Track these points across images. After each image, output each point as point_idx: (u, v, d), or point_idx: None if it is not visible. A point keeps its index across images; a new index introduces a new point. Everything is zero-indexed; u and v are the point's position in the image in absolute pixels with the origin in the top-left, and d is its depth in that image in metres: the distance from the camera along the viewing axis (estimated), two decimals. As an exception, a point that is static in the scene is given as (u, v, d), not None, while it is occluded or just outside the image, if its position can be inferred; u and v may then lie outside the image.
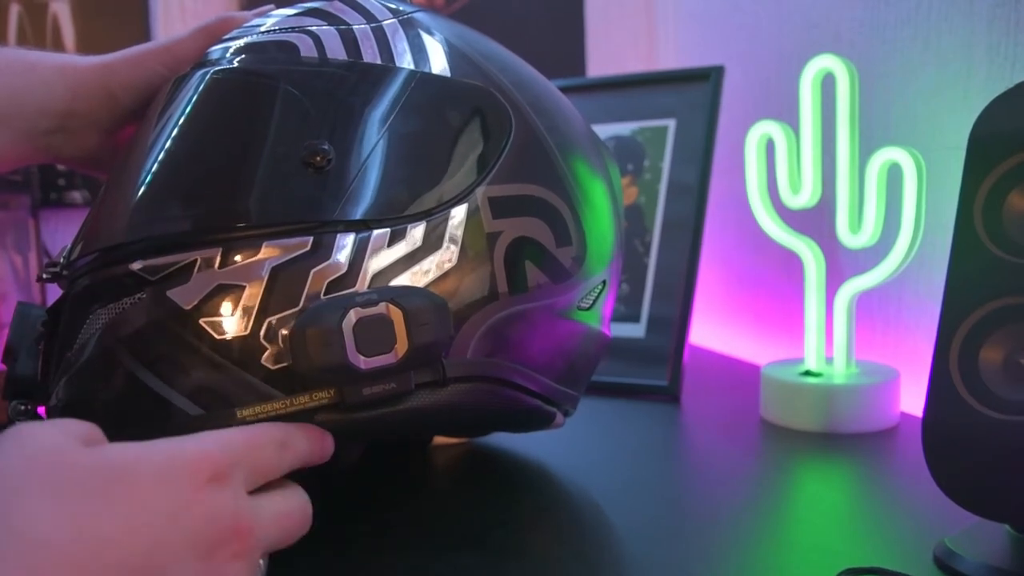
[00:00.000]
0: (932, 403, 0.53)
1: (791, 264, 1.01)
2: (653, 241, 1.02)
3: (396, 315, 0.52)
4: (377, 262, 0.54)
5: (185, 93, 0.59)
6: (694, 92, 1.03)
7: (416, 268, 0.55)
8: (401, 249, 0.55)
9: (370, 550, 0.57)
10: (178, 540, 0.41)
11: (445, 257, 0.57)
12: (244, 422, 0.51)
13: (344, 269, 0.53)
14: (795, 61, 1.07)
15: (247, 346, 0.52)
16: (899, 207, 0.77)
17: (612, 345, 0.98)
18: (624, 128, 1.07)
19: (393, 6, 0.64)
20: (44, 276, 0.59)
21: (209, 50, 0.64)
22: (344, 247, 0.54)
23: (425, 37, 0.62)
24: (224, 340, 0.52)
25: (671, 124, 1.04)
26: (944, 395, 0.53)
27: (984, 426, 0.51)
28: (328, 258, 0.53)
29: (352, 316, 0.51)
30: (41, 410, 0.57)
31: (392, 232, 0.55)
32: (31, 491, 0.39)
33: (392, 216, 0.56)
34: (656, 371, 0.95)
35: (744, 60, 1.20)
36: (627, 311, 1.01)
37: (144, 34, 1.34)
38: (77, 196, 1.40)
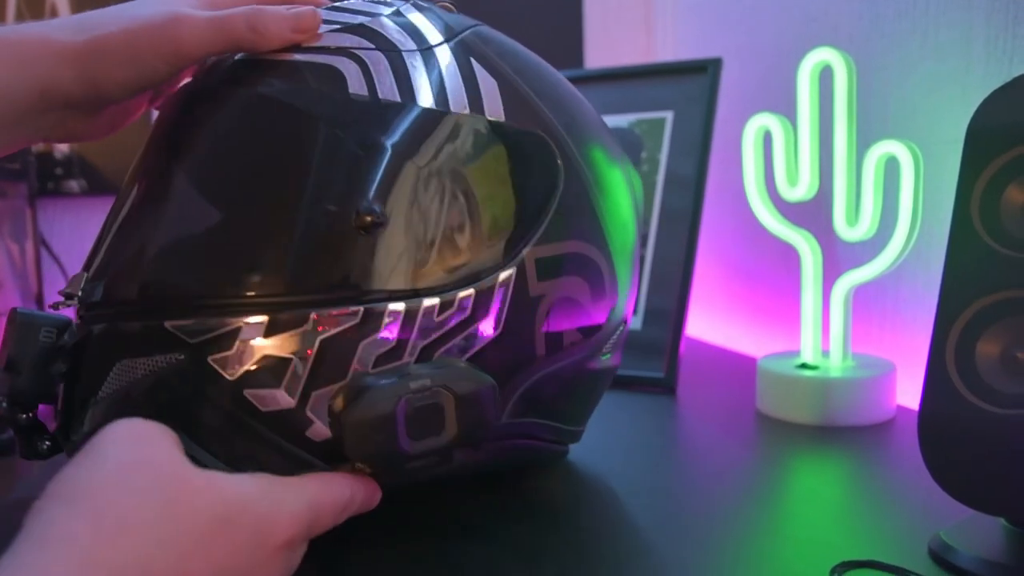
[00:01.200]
0: (928, 396, 0.53)
1: (788, 257, 1.01)
2: (650, 233, 1.02)
3: (448, 401, 0.51)
4: (425, 332, 0.53)
5: (212, 115, 0.55)
6: (692, 84, 1.03)
7: (462, 337, 0.54)
8: (449, 318, 0.54)
9: (367, 542, 0.57)
10: None
11: (491, 325, 0.55)
12: None
13: (393, 343, 0.52)
14: (793, 54, 1.07)
15: (292, 419, 0.50)
16: (896, 200, 0.77)
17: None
18: (622, 120, 1.07)
19: (445, 21, 0.60)
20: (58, 305, 0.56)
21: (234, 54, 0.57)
22: (394, 318, 0.52)
23: (478, 68, 0.58)
24: (269, 412, 0.50)
25: (669, 116, 1.04)
26: (940, 389, 0.53)
27: (980, 420, 0.51)
28: (378, 330, 0.51)
29: (405, 403, 0.50)
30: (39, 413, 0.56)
31: (442, 302, 0.53)
32: (142, 513, 0.41)
33: (442, 284, 0.54)
34: (652, 363, 0.95)
35: (742, 53, 1.20)
36: (624, 303, 1.00)
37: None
38: (75, 185, 1.40)
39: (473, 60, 0.58)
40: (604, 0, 1.50)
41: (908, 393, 0.84)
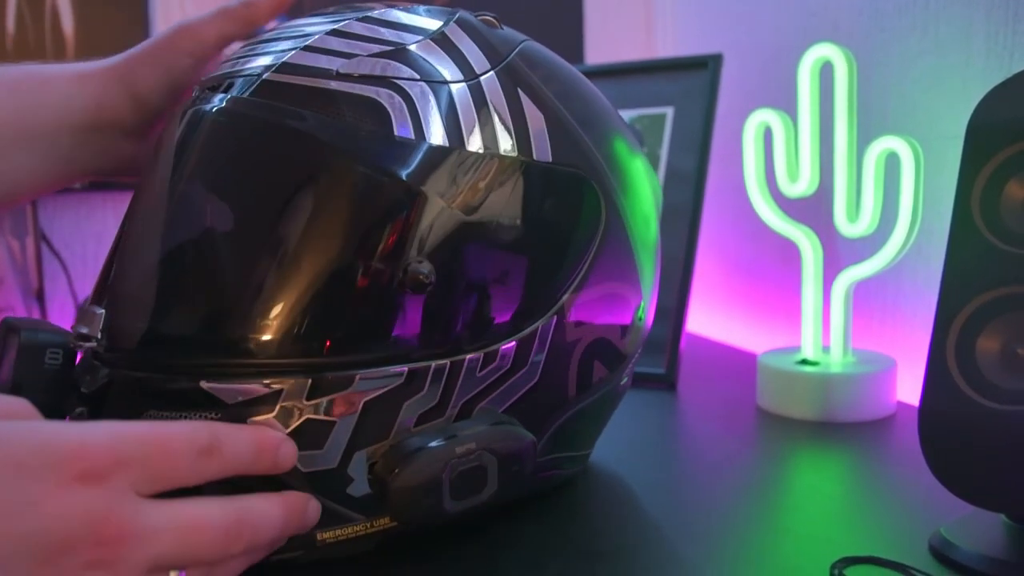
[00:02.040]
0: (929, 392, 0.53)
1: (788, 252, 1.01)
2: (651, 229, 1.01)
3: (491, 462, 0.51)
4: (467, 388, 0.52)
5: (244, 153, 0.51)
6: (692, 80, 1.03)
7: (502, 389, 0.54)
8: (490, 372, 0.53)
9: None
10: (14, 536, 0.37)
11: (530, 375, 0.55)
12: (324, 544, 0.50)
13: (436, 401, 0.51)
14: (793, 49, 1.07)
15: (334, 478, 0.49)
16: (897, 196, 0.77)
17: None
18: (622, 116, 1.07)
19: (491, 42, 0.56)
20: (77, 345, 0.51)
21: (253, 66, 0.53)
22: (438, 376, 0.51)
23: (526, 102, 0.55)
24: (311, 472, 0.49)
25: (669, 112, 1.04)
26: (941, 384, 0.53)
27: (981, 416, 0.51)
28: (422, 390, 0.50)
29: (450, 468, 0.50)
30: None
31: (484, 356, 0.52)
32: None
33: (484, 338, 0.52)
34: (653, 359, 0.95)
35: (742, 48, 1.20)
36: (624, 299, 1.00)
37: (143, 22, 1.33)
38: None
39: (520, 92, 0.55)
40: (604, -4, 1.50)
41: (908, 389, 0.84)
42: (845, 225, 0.82)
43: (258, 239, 0.50)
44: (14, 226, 1.22)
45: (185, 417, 0.47)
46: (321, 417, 0.48)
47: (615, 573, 0.52)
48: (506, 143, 0.53)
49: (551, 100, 0.57)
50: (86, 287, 1.29)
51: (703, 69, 1.02)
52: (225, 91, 0.53)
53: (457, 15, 0.57)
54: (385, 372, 0.49)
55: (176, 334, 0.50)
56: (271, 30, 0.59)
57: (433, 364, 0.50)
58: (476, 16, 0.58)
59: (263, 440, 0.46)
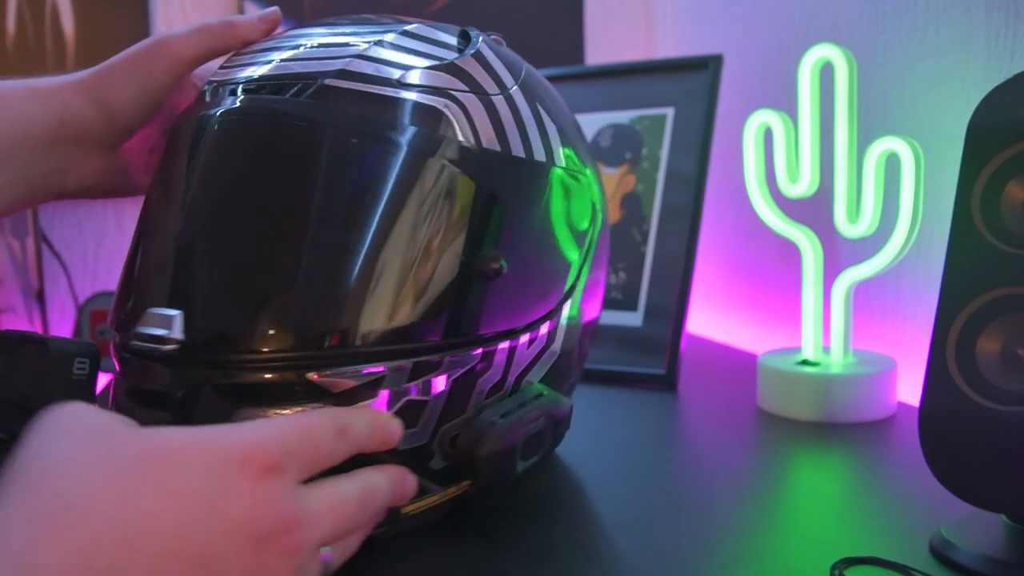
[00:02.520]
0: (929, 393, 0.53)
1: (789, 253, 1.01)
2: (651, 230, 1.01)
3: (548, 427, 0.59)
4: (519, 365, 0.59)
5: (315, 148, 0.53)
6: (693, 81, 1.03)
7: (541, 362, 0.61)
8: (534, 348, 0.60)
9: (366, 542, 0.57)
10: (224, 529, 0.39)
11: (556, 348, 0.63)
12: (407, 516, 0.52)
13: (500, 375, 0.58)
14: (794, 50, 1.07)
15: (421, 453, 0.54)
16: (897, 197, 0.77)
17: (609, 333, 0.99)
18: (622, 117, 1.07)
19: (508, 60, 0.62)
20: (143, 348, 0.50)
21: (287, 71, 0.55)
22: (503, 355, 0.58)
23: (543, 114, 0.62)
24: (407, 450, 0.53)
25: (669, 113, 1.04)
26: (941, 385, 0.53)
27: (981, 416, 0.51)
28: (491, 367, 0.57)
29: (523, 435, 0.56)
30: None
31: (531, 336, 0.60)
32: (84, 466, 0.39)
33: (533, 320, 0.60)
34: (653, 360, 0.95)
35: (743, 49, 1.20)
36: (624, 299, 1.01)
37: (144, 21, 1.33)
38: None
39: (538, 104, 0.62)
40: (605, -4, 1.50)
41: (909, 390, 0.84)
42: (845, 226, 0.82)
43: (361, 237, 0.52)
44: (14, 227, 1.22)
45: (283, 412, 0.50)
46: (418, 398, 0.53)
47: (615, 573, 0.53)
48: (539, 151, 0.60)
49: (554, 112, 0.63)
50: (86, 287, 1.29)
51: (703, 70, 1.02)
52: (276, 92, 0.55)
53: (480, 35, 0.62)
54: (468, 354, 0.55)
55: (278, 330, 0.51)
56: (279, 34, 0.61)
57: (499, 344, 0.57)
58: (488, 35, 0.64)
59: (377, 419, 0.49)
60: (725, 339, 1.20)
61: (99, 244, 1.34)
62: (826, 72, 0.83)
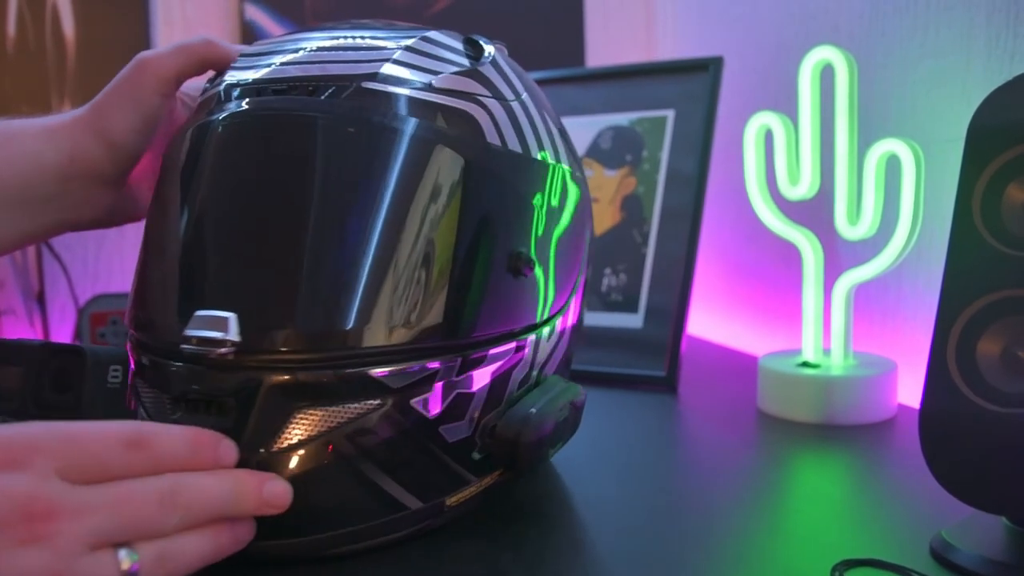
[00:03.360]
0: (929, 395, 0.53)
1: (789, 255, 1.01)
2: (651, 231, 1.02)
3: (573, 414, 0.62)
4: (541, 356, 0.62)
5: (355, 150, 0.53)
6: (693, 83, 1.03)
7: (555, 354, 0.64)
8: (551, 341, 0.63)
9: (365, 541, 0.57)
10: None
11: (566, 341, 0.66)
12: (450, 508, 0.56)
13: (527, 369, 0.61)
14: (794, 52, 1.07)
15: (466, 444, 0.56)
16: (897, 199, 0.77)
17: (610, 335, 0.99)
18: (623, 118, 1.07)
19: (516, 67, 0.64)
20: (186, 348, 0.49)
21: (307, 74, 0.55)
22: (532, 348, 0.61)
23: (545, 115, 0.64)
24: (455, 442, 0.55)
25: (670, 115, 1.04)
26: (941, 387, 0.53)
27: (981, 418, 0.51)
28: (522, 359, 0.60)
29: (555, 422, 0.58)
30: None
31: (550, 329, 0.63)
32: None
33: (552, 315, 0.63)
34: (654, 361, 0.95)
35: (743, 51, 1.20)
36: (625, 301, 1.01)
37: (144, 22, 1.33)
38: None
39: (542, 110, 0.64)
40: (605, -2, 1.50)
41: (909, 392, 0.84)
42: (846, 228, 0.82)
43: (413, 236, 0.53)
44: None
45: (347, 409, 0.51)
46: (467, 391, 0.55)
47: (615, 574, 0.53)
48: (552, 153, 0.63)
49: (553, 117, 0.66)
50: (86, 290, 1.29)
51: (704, 72, 1.02)
52: (311, 94, 0.54)
53: (490, 43, 0.63)
54: (507, 348, 0.58)
55: (338, 328, 0.51)
56: (283, 37, 0.61)
57: (530, 337, 0.60)
58: (492, 42, 0.64)
59: (197, 437, 0.48)
60: (725, 341, 1.20)
61: (99, 247, 1.34)
62: (826, 74, 0.83)
